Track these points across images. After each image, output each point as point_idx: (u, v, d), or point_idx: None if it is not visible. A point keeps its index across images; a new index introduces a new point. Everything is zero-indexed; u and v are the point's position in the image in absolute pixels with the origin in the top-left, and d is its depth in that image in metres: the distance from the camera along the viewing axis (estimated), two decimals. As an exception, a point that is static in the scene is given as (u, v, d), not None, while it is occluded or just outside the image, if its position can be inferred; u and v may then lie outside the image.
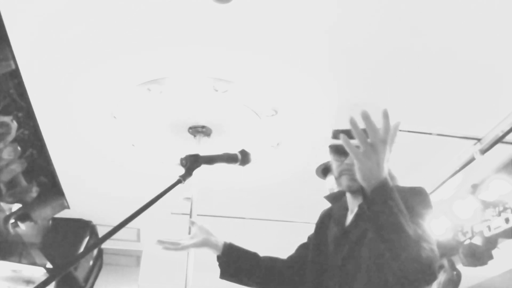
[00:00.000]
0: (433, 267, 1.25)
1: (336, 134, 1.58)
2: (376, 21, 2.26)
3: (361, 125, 1.18)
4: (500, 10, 2.15)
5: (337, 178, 1.61)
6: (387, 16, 2.22)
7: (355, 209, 1.62)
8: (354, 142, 1.27)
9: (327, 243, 1.67)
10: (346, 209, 1.69)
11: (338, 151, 1.58)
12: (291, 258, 1.86)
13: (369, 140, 1.20)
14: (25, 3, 2.18)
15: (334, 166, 1.61)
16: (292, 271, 1.79)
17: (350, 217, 1.64)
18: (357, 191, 1.53)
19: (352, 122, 1.17)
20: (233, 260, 1.82)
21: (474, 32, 2.29)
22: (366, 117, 1.17)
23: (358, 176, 1.25)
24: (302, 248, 1.85)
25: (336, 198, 1.79)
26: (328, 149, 1.65)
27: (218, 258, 1.84)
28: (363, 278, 1.46)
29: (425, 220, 1.40)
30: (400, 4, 2.16)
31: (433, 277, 1.26)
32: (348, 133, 1.29)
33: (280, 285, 1.82)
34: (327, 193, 2.35)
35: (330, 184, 2.58)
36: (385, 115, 1.20)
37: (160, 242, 1.77)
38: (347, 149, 1.21)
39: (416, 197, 1.48)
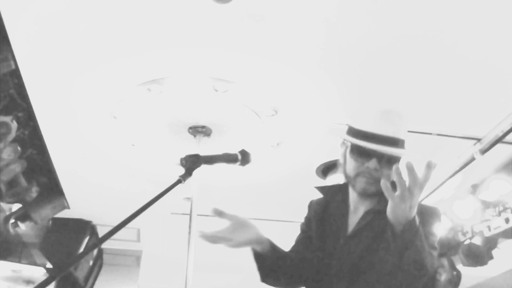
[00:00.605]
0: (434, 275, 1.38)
1: (361, 135, 1.56)
2: (376, 21, 2.26)
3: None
4: (500, 10, 2.15)
5: (352, 178, 1.59)
6: (387, 16, 2.22)
7: (361, 210, 1.60)
8: (384, 149, 1.45)
9: (326, 237, 1.64)
10: (346, 205, 1.66)
11: (361, 152, 1.56)
12: (302, 254, 1.71)
13: (407, 184, 1.26)
14: (25, 4, 2.18)
15: (352, 165, 1.58)
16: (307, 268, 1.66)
17: (353, 218, 1.62)
18: (369, 195, 1.56)
19: (409, 167, 1.27)
20: (274, 265, 1.64)
21: (474, 31, 2.29)
22: (410, 168, 1.26)
23: (390, 213, 1.30)
24: (304, 242, 1.75)
25: (331, 192, 1.74)
26: (344, 143, 1.63)
27: (260, 258, 1.64)
28: (370, 283, 1.47)
29: (434, 234, 1.50)
30: (401, 5, 2.16)
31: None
32: (375, 137, 1.47)
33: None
34: None
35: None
36: (429, 166, 1.30)
37: (204, 235, 1.58)
38: (386, 194, 1.27)
39: (432, 218, 1.54)
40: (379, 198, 1.52)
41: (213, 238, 1.60)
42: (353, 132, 1.59)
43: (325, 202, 1.74)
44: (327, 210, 1.71)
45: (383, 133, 1.54)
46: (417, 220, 1.31)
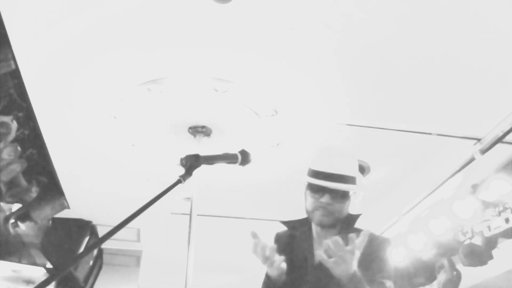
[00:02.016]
0: None
1: (313, 174, 1.84)
2: (376, 21, 2.26)
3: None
4: (499, 12, 2.15)
5: (310, 212, 1.85)
6: (387, 16, 2.22)
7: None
8: (332, 185, 1.76)
9: (294, 267, 1.81)
10: (311, 237, 1.89)
11: (315, 189, 1.82)
12: None
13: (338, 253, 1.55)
14: (25, 4, 2.18)
15: (309, 201, 1.85)
16: None
17: (318, 248, 1.79)
18: (327, 226, 1.83)
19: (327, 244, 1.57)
20: None
21: (474, 32, 2.29)
22: (336, 242, 1.55)
23: (332, 271, 1.60)
24: None
25: (296, 225, 1.97)
26: (306, 184, 1.88)
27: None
28: None
29: (387, 265, 1.79)
30: (401, 6, 2.16)
31: None
32: (324, 175, 1.77)
33: None
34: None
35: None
36: (364, 235, 1.61)
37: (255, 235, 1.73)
38: (323, 262, 1.60)
39: (381, 247, 1.81)
40: (339, 228, 1.84)
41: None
42: (309, 172, 1.87)
43: (291, 234, 1.97)
44: (293, 242, 1.94)
45: (330, 171, 1.81)
46: (358, 274, 1.59)
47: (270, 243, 1.78)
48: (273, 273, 1.75)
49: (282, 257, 1.74)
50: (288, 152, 3.40)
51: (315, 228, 1.90)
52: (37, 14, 2.24)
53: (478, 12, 2.17)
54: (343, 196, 1.82)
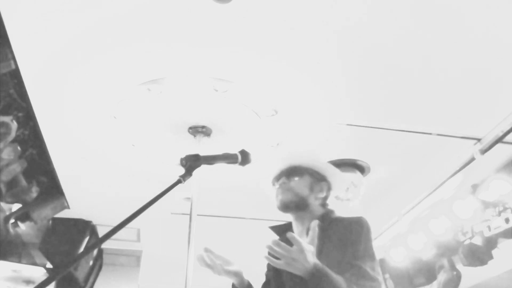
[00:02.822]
0: None
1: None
2: (377, 21, 2.26)
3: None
4: (498, 12, 2.15)
5: (276, 203, 1.99)
6: (387, 16, 2.22)
7: (303, 239, 1.75)
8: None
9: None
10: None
11: (275, 179, 2.06)
12: None
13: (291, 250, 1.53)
14: (25, 3, 2.18)
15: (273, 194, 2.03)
16: None
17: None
18: (287, 207, 1.93)
19: (269, 247, 1.54)
20: None
21: (474, 32, 2.29)
22: (277, 244, 1.52)
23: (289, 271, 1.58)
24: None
25: (282, 230, 2.02)
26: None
27: None
28: None
29: (360, 247, 1.75)
30: (402, 7, 2.16)
31: None
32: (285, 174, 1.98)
33: None
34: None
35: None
36: (313, 228, 1.63)
37: (207, 250, 1.93)
38: (272, 263, 1.57)
39: (352, 230, 1.80)
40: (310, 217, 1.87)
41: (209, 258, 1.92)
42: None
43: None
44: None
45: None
46: (319, 267, 1.55)
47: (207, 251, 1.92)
48: (232, 279, 1.93)
49: (222, 261, 1.91)
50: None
51: (294, 226, 1.97)
52: (37, 14, 2.24)
53: (478, 14, 2.17)
54: (298, 173, 1.96)
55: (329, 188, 2.02)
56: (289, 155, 2.04)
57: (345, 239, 1.76)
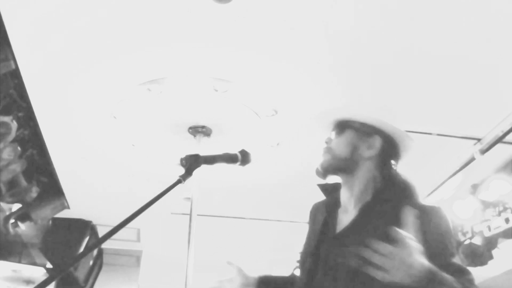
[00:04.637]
0: None
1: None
2: (377, 21, 2.26)
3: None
4: (499, 11, 2.15)
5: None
6: (387, 16, 2.22)
7: (350, 212, 1.55)
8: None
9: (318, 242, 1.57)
10: (337, 205, 1.61)
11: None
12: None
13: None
14: (25, 4, 2.18)
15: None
16: None
17: (343, 217, 1.57)
18: (328, 170, 1.57)
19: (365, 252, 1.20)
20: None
21: (474, 32, 2.28)
22: (377, 246, 1.18)
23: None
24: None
25: (329, 190, 1.70)
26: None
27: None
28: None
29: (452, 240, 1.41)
30: (402, 7, 2.16)
31: None
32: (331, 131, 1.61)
33: None
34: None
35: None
36: (410, 216, 1.26)
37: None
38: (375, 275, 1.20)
39: (431, 221, 1.41)
40: (364, 189, 1.53)
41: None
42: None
43: (323, 203, 1.70)
44: (325, 211, 1.65)
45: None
46: (433, 270, 1.21)
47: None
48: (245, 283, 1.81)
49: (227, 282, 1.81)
50: (288, 152, 3.40)
51: (342, 193, 1.61)
52: (37, 14, 2.24)
53: (478, 14, 2.17)
54: (340, 129, 1.60)
55: (388, 144, 1.56)
56: (335, 108, 1.68)
57: (432, 234, 1.35)
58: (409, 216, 1.27)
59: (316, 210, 1.73)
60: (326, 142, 1.60)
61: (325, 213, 1.63)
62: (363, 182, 1.54)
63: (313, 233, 1.63)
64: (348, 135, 1.57)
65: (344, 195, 1.59)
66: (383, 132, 1.56)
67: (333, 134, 1.61)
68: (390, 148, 1.57)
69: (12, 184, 3.02)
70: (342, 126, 1.60)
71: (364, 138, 1.56)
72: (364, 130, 1.56)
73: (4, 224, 3.36)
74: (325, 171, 1.58)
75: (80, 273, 4.55)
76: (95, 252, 4.86)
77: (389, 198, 1.50)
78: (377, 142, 1.55)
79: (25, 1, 2.17)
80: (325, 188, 1.72)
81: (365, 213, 1.51)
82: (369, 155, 1.55)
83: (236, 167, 1.77)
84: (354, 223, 1.50)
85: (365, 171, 1.55)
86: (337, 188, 1.65)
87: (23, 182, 3.09)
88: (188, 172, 1.54)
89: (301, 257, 1.68)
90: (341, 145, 1.56)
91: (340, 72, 2.63)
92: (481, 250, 3.56)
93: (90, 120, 3.10)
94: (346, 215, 1.57)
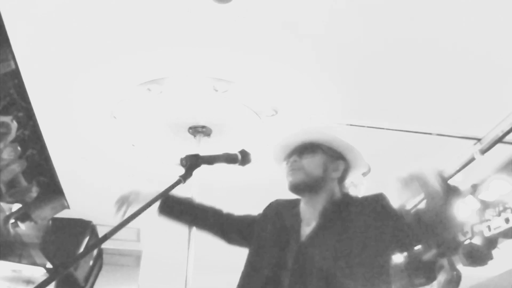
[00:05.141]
0: None
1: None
2: (376, 21, 2.26)
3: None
4: (500, 9, 2.15)
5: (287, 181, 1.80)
6: (386, 16, 2.22)
7: (313, 223, 1.69)
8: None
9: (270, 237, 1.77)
10: (299, 219, 1.76)
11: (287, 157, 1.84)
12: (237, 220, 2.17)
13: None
14: (25, 4, 2.18)
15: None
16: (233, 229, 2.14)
17: (306, 229, 1.70)
18: (297, 187, 1.75)
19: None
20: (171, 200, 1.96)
21: (474, 31, 2.29)
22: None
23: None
24: (249, 221, 2.09)
25: (290, 206, 1.88)
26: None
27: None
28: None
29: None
30: (402, 7, 2.16)
31: None
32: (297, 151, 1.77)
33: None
34: None
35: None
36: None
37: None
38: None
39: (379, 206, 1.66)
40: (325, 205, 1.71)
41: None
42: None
43: (281, 208, 1.92)
44: (280, 217, 1.86)
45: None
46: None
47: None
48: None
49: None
50: (288, 152, 3.40)
51: (302, 208, 1.80)
52: (37, 14, 2.24)
53: (479, 11, 2.17)
54: (310, 150, 1.75)
55: (347, 168, 1.77)
56: (302, 131, 1.81)
57: (381, 214, 1.63)
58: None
59: (276, 211, 1.94)
60: (295, 161, 1.76)
61: (286, 224, 1.79)
62: (327, 200, 1.72)
63: (271, 239, 1.78)
64: (320, 156, 1.73)
65: (307, 211, 1.75)
66: (345, 158, 1.76)
67: (303, 155, 1.75)
68: (348, 171, 1.79)
69: (12, 184, 3.02)
70: (313, 147, 1.75)
71: (332, 160, 1.75)
72: (331, 154, 1.75)
73: (4, 224, 3.36)
74: (297, 189, 1.75)
75: (80, 273, 4.55)
76: (95, 252, 4.86)
77: (349, 204, 1.72)
78: (341, 166, 1.76)
79: (25, 1, 2.17)
80: (284, 205, 1.92)
81: (327, 217, 1.67)
82: (335, 176, 1.75)
83: (236, 167, 1.78)
84: (318, 227, 1.67)
85: (329, 190, 1.74)
86: (297, 204, 1.82)
87: (23, 182, 3.09)
88: (188, 172, 1.55)
89: (252, 256, 1.89)
90: (313, 164, 1.73)
91: (340, 72, 2.63)
92: (481, 250, 3.56)
93: (90, 120, 3.10)
94: (309, 227, 1.70)
